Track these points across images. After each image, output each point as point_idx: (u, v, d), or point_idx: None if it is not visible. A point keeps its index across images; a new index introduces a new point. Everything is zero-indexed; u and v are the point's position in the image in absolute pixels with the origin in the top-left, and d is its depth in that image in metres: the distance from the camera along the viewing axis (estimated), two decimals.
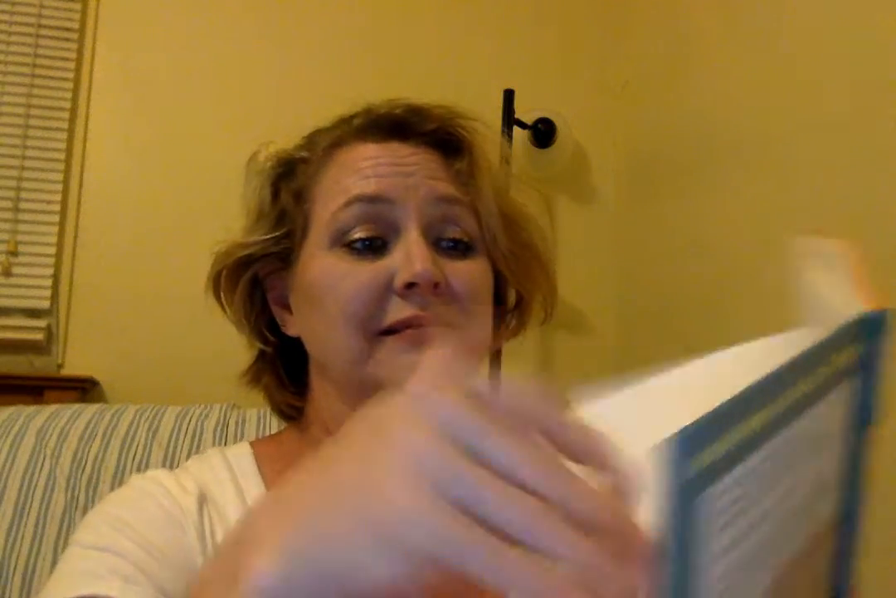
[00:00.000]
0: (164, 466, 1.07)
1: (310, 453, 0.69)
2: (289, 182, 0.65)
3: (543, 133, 2.02)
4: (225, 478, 0.63)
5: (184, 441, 1.10)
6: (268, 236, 0.64)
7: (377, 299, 0.58)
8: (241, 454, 0.65)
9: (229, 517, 0.59)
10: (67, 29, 1.98)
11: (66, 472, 1.04)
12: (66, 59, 1.97)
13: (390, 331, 0.58)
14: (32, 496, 1.02)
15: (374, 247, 0.60)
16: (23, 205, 1.89)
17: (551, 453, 0.26)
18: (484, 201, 0.63)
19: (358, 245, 0.60)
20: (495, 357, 1.83)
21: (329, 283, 0.60)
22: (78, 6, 2.00)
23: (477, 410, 0.26)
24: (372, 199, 0.60)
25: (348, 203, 0.60)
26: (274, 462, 0.65)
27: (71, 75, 1.97)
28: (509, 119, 1.93)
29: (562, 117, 2.04)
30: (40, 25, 1.96)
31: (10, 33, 1.95)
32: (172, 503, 0.58)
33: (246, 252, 0.65)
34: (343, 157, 0.63)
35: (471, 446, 0.25)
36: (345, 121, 0.66)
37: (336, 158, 0.64)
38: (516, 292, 0.68)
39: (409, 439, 0.26)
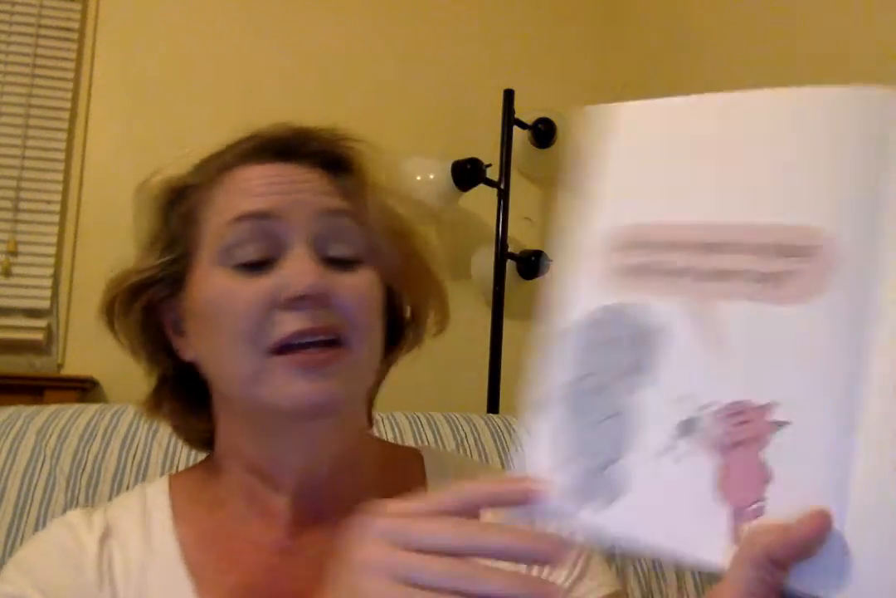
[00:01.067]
0: (163, 466, 1.07)
1: (219, 485, 0.67)
2: (178, 207, 0.65)
3: (543, 133, 2.02)
4: (136, 511, 0.65)
5: None
6: (158, 261, 0.64)
7: (265, 314, 0.58)
8: (158, 489, 0.67)
9: (130, 549, 0.62)
10: (67, 29, 1.99)
11: (66, 472, 1.03)
12: (66, 59, 1.97)
13: (281, 349, 0.58)
14: (32, 496, 1.02)
15: (262, 264, 0.59)
16: (23, 205, 1.90)
17: (462, 521, 0.39)
18: (371, 215, 0.63)
19: (246, 262, 0.60)
20: (495, 356, 1.83)
21: (220, 301, 0.60)
22: (78, 6, 2.00)
23: (405, 519, 0.40)
24: (260, 215, 0.60)
25: (237, 220, 0.60)
26: (188, 492, 0.67)
27: (71, 75, 1.97)
28: (509, 119, 1.93)
29: (562, 117, 2.04)
30: (40, 25, 1.96)
31: (10, 33, 1.95)
32: (74, 541, 0.62)
33: (138, 279, 0.65)
34: (230, 180, 0.63)
35: (408, 543, 0.38)
36: (232, 146, 0.66)
37: (224, 182, 0.64)
38: (411, 306, 0.68)
39: (367, 556, 0.39)
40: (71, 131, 1.95)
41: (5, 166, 1.90)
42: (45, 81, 1.95)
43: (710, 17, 1.75)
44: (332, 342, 0.59)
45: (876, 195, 0.38)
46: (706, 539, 0.38)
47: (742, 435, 0.38)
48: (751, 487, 0.37)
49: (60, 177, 1.92)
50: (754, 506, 0.37)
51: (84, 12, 2.01)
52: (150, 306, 0.65)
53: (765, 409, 0.38)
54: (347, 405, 0.61)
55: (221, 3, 2.08)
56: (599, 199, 0.44)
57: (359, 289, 0.61)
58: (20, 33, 1.95)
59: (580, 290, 0.43)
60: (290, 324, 0.58)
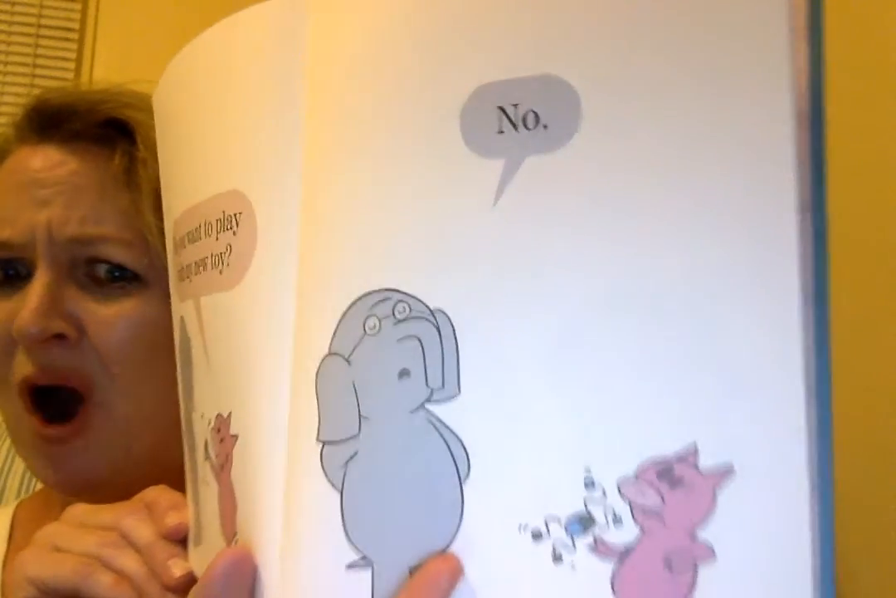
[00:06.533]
0: None
1: (59, 506, 0.58)
2: None
3: None
4: None
5: None
6: None
7: (7, 347, 0.48)
8: (1, 518, 0.59)
9: None
10: (67, 29, 1.98)
11: None
12: (66, 60, 1.97)
13: (29, 393, 0.49)
14: None
15: (14, 278, 0.50)
16: None
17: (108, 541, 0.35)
18: (145, 218, 0.48)
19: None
20: None
21: None
22: (78, 6, 2.00)
23: (69, 525, 0.37)
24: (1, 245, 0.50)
25: None
26: (29, 522, 0.58)
27: (71, 75, 1.96)
28: None
29: None
30: (40, 25, 1.96)
31: (10, 33, 1.95)
32: None
33: None
34: (3, 166, 0.53)
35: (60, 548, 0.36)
36: (21, 115, 0.54)
37: (2, 164, 0.53)
38: None
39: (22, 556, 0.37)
40: None
41: None
42: (45, 81, 1.94)
43: None
44: (76, 398, 0.48)
45: (284, 144, 0.29)
46: None
47: (223, 456, 0.30)
48: (227, 520, 0.30)
49: None
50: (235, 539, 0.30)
51: (84, 12, 2.00)
52: None
53: (227, 421, 0.30)
54: (120, 473, 0.49)
55: (222, 3, 2.08)
56: (166, 179, 0.36)
57: (116, 324, 0.47)
58: (20, 33, 1.95)
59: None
60: (24, 365, 0.48)
